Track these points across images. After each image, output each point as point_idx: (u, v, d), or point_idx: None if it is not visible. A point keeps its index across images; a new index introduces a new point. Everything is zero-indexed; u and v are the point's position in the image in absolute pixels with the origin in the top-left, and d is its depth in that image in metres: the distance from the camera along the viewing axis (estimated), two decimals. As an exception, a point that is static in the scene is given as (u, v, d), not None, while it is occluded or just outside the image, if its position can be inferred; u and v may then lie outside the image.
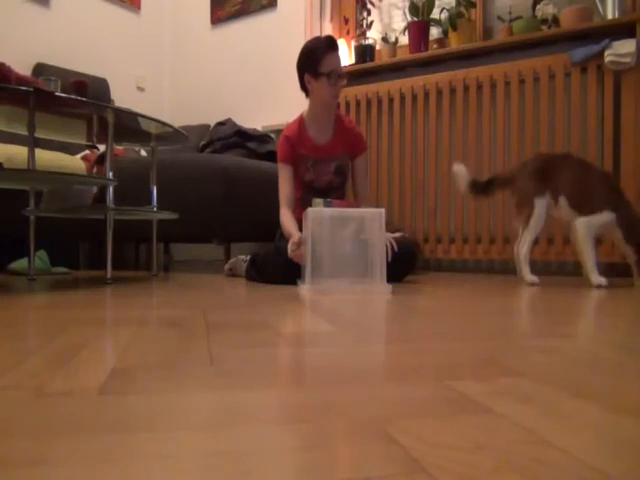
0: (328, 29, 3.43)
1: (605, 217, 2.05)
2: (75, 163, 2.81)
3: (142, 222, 2.67)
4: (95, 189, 2.72)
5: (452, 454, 0.43)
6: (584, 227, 2.06)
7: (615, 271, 2.52)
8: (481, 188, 2.32)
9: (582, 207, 2.09)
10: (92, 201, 2.70)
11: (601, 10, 2.60)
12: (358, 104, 3.15)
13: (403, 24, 3.16)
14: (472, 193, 2.34)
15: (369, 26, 3.24)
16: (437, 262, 3.06)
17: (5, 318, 1.16)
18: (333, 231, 1.88)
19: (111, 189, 2.08)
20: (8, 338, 0.92)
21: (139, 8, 4.03)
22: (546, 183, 2.18)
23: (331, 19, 3.43)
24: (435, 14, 3.06)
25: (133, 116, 2.04)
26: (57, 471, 0.39)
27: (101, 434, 0.47)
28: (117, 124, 2.08)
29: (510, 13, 2.85)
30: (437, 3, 3.05)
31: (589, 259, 2.06)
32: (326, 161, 2.28)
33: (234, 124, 3.28)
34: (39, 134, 2.25)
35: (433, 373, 0.70)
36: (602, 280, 2.04)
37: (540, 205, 2.17)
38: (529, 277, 2.18)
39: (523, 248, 2.21)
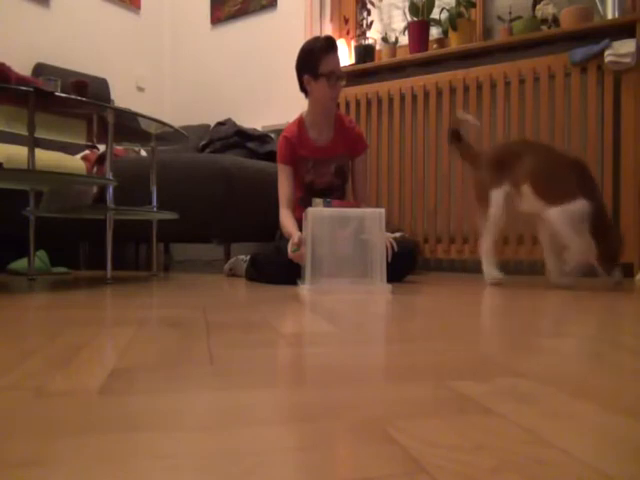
0: (328, 29, 3.43)
1: (579, 205, 1.83)
2: (75, 163, 2.80)
3: (142, 222, 2.67)
4: (95, 189, 2.72)
5: (452, 454, 0.43)
6: (559, 216, 1.85)
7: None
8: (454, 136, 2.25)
9: (549, 195, 1.88)
10: (92, 201, 2.70)
11: (601, 10, 2.60)
12: (358, 104, 3.15)
13: (403, 24, 3.15)
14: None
15: (369, 26, 3.24)
16: (437, 262, 3.06)
17: (5, 318, 1.16)
18: (333, 231, 1.88)
19: (111, 189, 2.07)
20: (8, 338, 0.92)
21: (139, 8, 4.03)
22: (503, 173, 2.00)
23: (331, 19, 3.43)
24: (435, 14, 3.05)
25: (133, 116, 2.04)
26: (57, 471, 0.39)
27: (101, 434, 0.47)
28: (117, 124, 2.08)
29: (510, 13, 2.84)
30: (437, 3, 3.05)
31: (578, 245, 1.84)
32: (326, 162, 2.28)
33: (234, 124, 3.28)
34: (39, 134, 2.25)
35: (433, 373, 0.70)
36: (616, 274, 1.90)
37: (496, 197, 2.01)
38: (491, 274, 2.07)
39: (484, 245, 2.07)
